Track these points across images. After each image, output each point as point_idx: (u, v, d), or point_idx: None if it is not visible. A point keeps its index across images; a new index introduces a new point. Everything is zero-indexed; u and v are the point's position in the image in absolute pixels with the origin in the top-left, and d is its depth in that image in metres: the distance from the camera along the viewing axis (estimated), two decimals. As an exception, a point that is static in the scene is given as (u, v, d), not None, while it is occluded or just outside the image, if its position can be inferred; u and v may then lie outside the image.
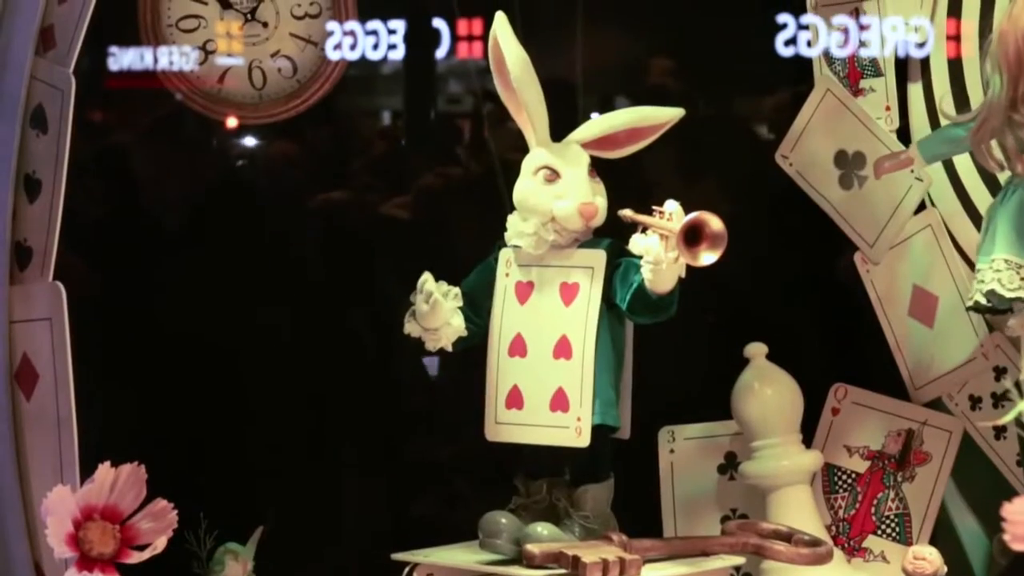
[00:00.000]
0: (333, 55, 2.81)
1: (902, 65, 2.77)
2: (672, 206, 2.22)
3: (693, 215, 2.18)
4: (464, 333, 2.34)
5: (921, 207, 2.74)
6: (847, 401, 2.71)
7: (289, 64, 2.81)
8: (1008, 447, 2.72)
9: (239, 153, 2.93)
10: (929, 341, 2.73)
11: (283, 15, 2.80)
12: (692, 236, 2.18)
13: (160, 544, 2.20)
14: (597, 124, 2.40)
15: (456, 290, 2.35)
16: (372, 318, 2.39)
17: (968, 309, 2.52)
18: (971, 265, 2.63)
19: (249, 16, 2.79)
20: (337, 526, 2.82)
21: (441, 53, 2.85)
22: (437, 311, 2.31)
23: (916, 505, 2.70)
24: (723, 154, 2.94)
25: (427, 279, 2.31)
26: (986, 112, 2.47)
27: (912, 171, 2.65)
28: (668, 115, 2.41)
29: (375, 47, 2.81)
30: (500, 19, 2.36)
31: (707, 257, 2.18)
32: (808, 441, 2.64)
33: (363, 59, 2.82)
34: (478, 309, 2.38)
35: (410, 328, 2.34)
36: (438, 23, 2.83)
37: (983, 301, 2.45)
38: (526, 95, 2.35)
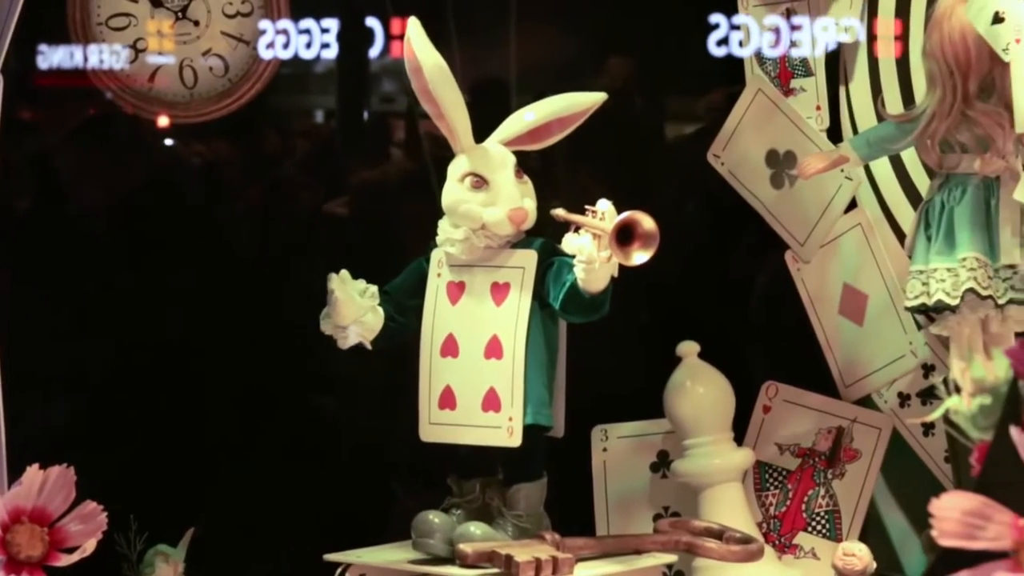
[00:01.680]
0: (266, 54, 2.79)
1: (832, 65, 2.79)
2: (604, 205, 2.22)
3: (625, 214, 2.18)
4: (377, 331, 2.33)
5: (852, 206, 2.75)
6: (778, 399, 2.72)
7: (221, 63, 2.79)
8: (936, 443, 2.74)
9: (170, 152, 2.91)
10: (859, 339, 2.75)
11: (215, 13, 2.78)
12: (624, 235, 2.18)
13: (89, 547, 2.17)
14: (520, 121, 2.38)
15: (373, 288, 2.33)
16: (305, 317, 2.38)
17: (912, 309, 2.49)
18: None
19: (180, 14, 2.77)
20: (269, 527, 2.81)
21: (375, 52, 2.84)
22: (340, 308, 2.30)
23: (846, 502, 2.71)
24: (655, 153, 2.95)
25: (331, 277, 2.30)
26: (934, 108, 2.44)
27: (842, 170, 2.66)
28: (590, 100, 2.38)
29: (308, 46, 2.80)
30: (413, 24, 2.31)
31: (639, 256, 2.18)
32: (740, 439, 2.66)
33: (296, 58, 2.81)
34: (402, 308, 2.37)
35: (323, 326, 2.33)
36: (372, 22, 2.82)
37: (950, 300, 2.41)
38: (444, 101, 2.32)
